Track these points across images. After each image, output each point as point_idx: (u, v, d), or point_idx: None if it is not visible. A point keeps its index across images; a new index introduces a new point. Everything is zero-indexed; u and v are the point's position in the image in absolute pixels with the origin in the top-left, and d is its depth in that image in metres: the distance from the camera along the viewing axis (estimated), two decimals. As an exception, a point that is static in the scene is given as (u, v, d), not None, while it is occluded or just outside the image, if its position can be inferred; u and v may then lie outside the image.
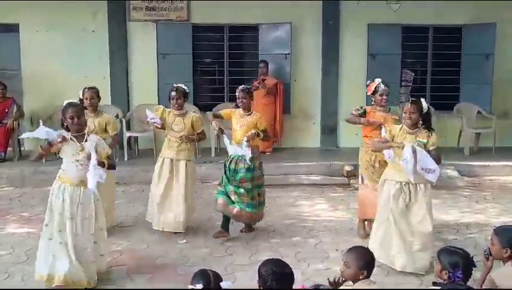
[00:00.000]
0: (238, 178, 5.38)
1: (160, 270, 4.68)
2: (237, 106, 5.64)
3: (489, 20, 9.46)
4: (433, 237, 5.37)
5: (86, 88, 5.71)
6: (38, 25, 9.42)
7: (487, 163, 8.62)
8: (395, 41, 9.66)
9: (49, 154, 4.21)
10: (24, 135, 4.69)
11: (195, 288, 2.58)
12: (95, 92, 5.68)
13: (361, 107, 5.51)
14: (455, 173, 8.14)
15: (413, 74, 10.13)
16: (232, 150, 5.48)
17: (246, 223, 5.69)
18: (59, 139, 4.10)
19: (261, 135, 5.49)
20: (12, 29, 9.47)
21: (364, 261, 3.09)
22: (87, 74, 9.25)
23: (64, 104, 4.30)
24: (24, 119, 9.15)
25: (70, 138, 4.17)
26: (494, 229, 3.33)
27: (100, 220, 4.35)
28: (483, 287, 3.18)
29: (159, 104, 9.20)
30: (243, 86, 5.65)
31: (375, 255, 3.77)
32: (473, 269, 3.04)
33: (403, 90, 10.03)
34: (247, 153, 5.30)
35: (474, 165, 8.55)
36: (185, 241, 5.46)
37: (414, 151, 4.39)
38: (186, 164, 5.58)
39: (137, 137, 9.17)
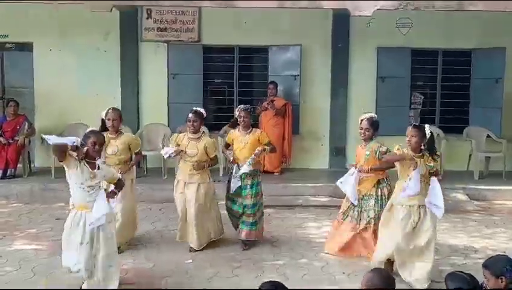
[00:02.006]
0: (244, 194, 5.56)
1: (166, 290, 4.66)
2: (233, 126, 5.82)
3: (499, 44, 9.48)
4: (442, 261, 5.36)
5: (110, 109, 5.66)
6: (51, 44, 9.59)
7: (497, 187, 8.54)
8: (405, 64, 9.69)
9: (65, 157, 4.12)
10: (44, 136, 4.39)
11: None
12: (118, 114, 5.66)
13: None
14: (464, 197, 8.07)
15: (422, 97, 10.14)
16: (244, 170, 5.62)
17: (249, 241, 5.80)
18: (75, 146, 4.12)
19: (268, 148, 5.64)
20: (26, 48, 9.65)
21: (370, 282, 3.06)
22: (98, 93, 9.39)
23: (87, 131, 4.40)
24: (35, 136, 9.24)
25: (84, 164, 4.21)
26: (483, 265, 3.26)
27: (112, 242, 4.42)
28: None
29: (168, 123, 9.32)
30: (243, 105, 5.86)
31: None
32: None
33: (412, 113, 10.02)
34: (246, 168, 5.50)
35: (483, 189, 8.48)
36: (191, 261, 5.44)
37: (418, 179, 4.51)
38: (198, 186, 5.60)
39: (145, 156, 9.21)
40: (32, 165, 9.21)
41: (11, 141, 8.71)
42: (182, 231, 5.71)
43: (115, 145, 5.53)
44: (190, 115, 5.62)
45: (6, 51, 9.70)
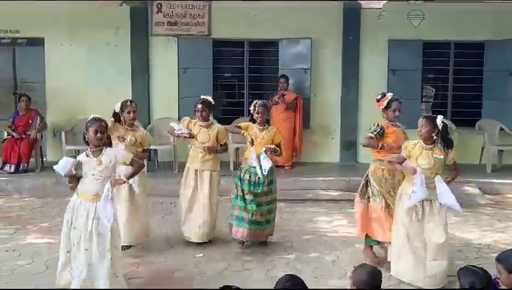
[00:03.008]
0: (260, 192, 5.42)
1: (177, 284, 4.67)
2: (253, 121, 5.61)
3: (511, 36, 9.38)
4: (454, 255, 5.32)
5: (128, 101, 5.49)
6: (62, 39, 9.64)
7: (510, 181, 8.45)
8: (416, 57, 9.61)
9: (77, 179, 4.24)
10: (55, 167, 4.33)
11: None
12: (136, 106, 5.51)
13: (378, 126, 5.14)
14: (477, 191, 8.01)
15: (434, 90, 10.05)
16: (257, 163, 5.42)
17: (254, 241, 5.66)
18: (72, 173, 4.19)
19: (278, 150, 5.52)
20: (37, 42, 9.70)
21: (359, 278, 3.08)
22: (109, 87, 9.43)
23: (90, 118, 4.30)
24: (47, 131, 9.32)
25: (87, 155, 4.20)
26: (496, 259, 3.24)
27: (115, 236, 4.27)
28: None
29: (179, 117, 9.30)
30: (260, 101, 5.65)
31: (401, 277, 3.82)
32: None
33: (423, 106, 9.95)
34: (266, 165, 5.30)
35: (496, 182, 8.41)
36: (202, 254, 5.45)
37: (422, 183, 4.44)
38: (210, 174, 5.62)
39: (156, 150, 9.24)
40: (44, 160, 9.29)
41: (23, 136, 8.79)
42: (187, 226, 5.64)
43: (133, 138, 5.40)
44: (198, 105, 5.62)
45: (18, 46, 9.76)
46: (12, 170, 8.61)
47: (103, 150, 4.25)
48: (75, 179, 4.21)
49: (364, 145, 5.27)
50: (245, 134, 5.59)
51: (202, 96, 5.74)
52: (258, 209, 5.44)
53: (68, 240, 4.25)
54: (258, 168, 5.37)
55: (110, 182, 4.19)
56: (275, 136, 5.56)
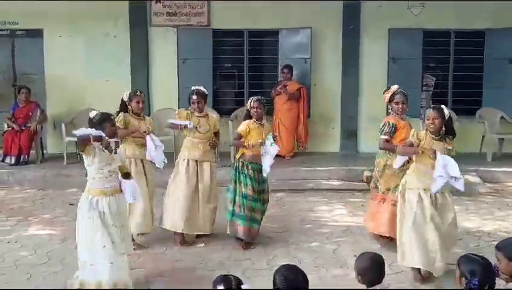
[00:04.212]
0: (262, 189, 5.42)
1: (178, 274, 4.69)
2: (248, 117, 5.48)
3: (512, 24, 9.33)
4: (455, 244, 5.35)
5: (137, 91, 5.56)
6: (61, 30, 9.61)
7: (510, 169, 8.45)
8: (416, 45, 9.57)
9: (85, 147, 4.05)
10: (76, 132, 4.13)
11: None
12: (145, 96, 5.59)
13: (390, 125, 5.07)
14: (477, 179, 8.01)
15: (434, 79, 10.02)
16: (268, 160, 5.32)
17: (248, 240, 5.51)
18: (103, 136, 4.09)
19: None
20: (36, 34, 9.66)
21: (361, 266, 3.12)
22: (108, 78, 9.43)
23: (101, 114, 4.32)
24: (47, 122, 9.31)
25: (102, 149, 4.16)
26: (496, 247, 3.25)
27: (126, 234, 4.37)
28: None
29: (179, 108, 9.28)
30: (257, 96, 5.57)
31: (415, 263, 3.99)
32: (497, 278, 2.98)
33: (423, 95, 9.93)
34: (273, 151, 5.22)
35: (496, 171, 8.41)
36: (203, 244, 5.48)
37: (446, 165, 4.35)
38: (210, 165, 5.60)
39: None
40: (44, 152, 9.30)
41: (23, 128, 8.79)
42: (188, 220, 5.46)
43: (145, 128, 5.46)
44: (194, 96, 5.52)
45: (17, 38, 9.73)
46: (13, 162, 8.62)
47: (114, 149, 4.28)
48: (88, 142, 4.03)
49: (381, 148, 5.18)
50: (248, 143, 5.36)
51: (194, 87, 5.61)
52: (260, 206, 5.42)
53: (89, 236, 4.12)
54: (266, 159, 5.27)
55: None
56: (270, 130, 5.63)
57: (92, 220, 4.09)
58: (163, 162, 5.43)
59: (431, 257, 4.45)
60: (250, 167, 5.37)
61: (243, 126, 5.41)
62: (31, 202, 7.22)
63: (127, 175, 4.36)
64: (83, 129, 3.97)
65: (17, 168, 8.49)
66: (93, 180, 4.14)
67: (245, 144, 5.34)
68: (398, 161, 4.97)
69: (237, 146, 5.61)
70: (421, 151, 4.51)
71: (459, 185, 4.45)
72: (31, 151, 8.85)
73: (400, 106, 5.17)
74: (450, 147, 4.55)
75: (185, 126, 5.46)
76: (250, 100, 5.51)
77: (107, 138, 4.14)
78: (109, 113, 4.44)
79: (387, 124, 5.13)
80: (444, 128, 4.57)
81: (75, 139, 8.59)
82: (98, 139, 4.04)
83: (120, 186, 4.25)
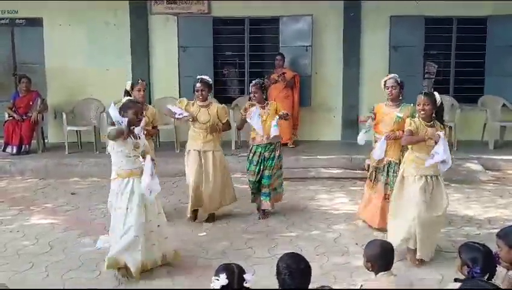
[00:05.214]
0: (273, 165, 5.74)
1: (180, 263, 4.70)
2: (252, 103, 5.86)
3: (515, 11, 9.25)
4: (455, 231, 5.37)
5: (139, 79, 5.77)
6: (61, 19, 9.56)
7: (512, 157, 8.45)
8: (418, 33, 9.50)
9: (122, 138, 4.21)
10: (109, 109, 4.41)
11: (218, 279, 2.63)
12: (146, 84, 5.72)
13: (372, 108, 5.47)
14: (479, 167, 8.00)
15: (436, 66, 9.97)
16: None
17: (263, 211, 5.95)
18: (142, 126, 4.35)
19: (289, 114, 5.96)
20: (36, 23, 9.62)
21: (371, 253, 3.15)
22: (108, 67, 9.41)
23: (126, 101, 4.49)
24: (48, 112, 9.30)
25: (130, 137, 4.28)
26: (496, 235, 3.26)
27: (158, 204, 4.53)
28: (503, 287, 3.11)
29: (179, 97, 9.26)
30: (255, 80, 5.88)
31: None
32: (497, 265, 2.99)
33: (425, 83, 9.89)
34: (273, 132, 5.61)
35: (498, 159, 8.39)
36: (204, 233, 5.49)
37: (446, 149, 4.39)
38: (213, 154, 5.69)
39: (158, 129, 9.22)
40: (45, 141, 9.30)
41: (24, 117, 8.78)
42: (193, 203, 5.73)
43: (146, 116, 5.50)
44: (197, 84, 5.63)
45: (16, 27, 9.69)
46: (14, 151, 8.62)
47: (138, 135, 4.37)
48: (122, 134, 4.19)
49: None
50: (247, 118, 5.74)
51: (199, 76, 5.74)
52: (270, 181, 5.81)
53: (123, 220, 4.27)
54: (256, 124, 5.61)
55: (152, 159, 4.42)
56: (277, 108, 5.81)
57: (120, 208, 4.27)
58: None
59: (427, 245, 4.55)
60: (253, 151, 5.80)
61: (243, 107, 5.90)
62: (33, 191, 7.23)
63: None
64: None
65: (19, 157, 8.49)
66: (122, 163, 4.29)
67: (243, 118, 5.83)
68: (377, 151, 5.16)
69: (242, 122, 5.97)
70: (426, 138, 4.52)
71: (443, 168, 4.51)
72: (32, 141, 8.85)
73: (389, 90, 5.29)
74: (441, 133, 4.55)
75: (183, 117, 5.59)
76: (251, 84, 5.88)
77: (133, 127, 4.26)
78: (134, 100, 4.62)
79: (369, 114, 5.55)
80: (436, 114, 4.61)
81: (77, 128, 8.72)
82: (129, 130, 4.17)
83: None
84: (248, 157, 5.89)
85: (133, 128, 4.26)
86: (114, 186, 4.36)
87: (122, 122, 4.16)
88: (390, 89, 5.28)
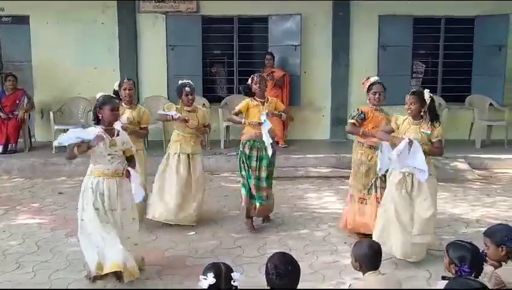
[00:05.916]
0: (266, 164, 5.44)
1: (169, 262, 4.69)
2: (248, 95, 5.55)
3: (502, 11, 9.31)
4: (443, 230, 5.39)
5: (125, 79, 5.71)
6: (48, 17, 9.45)
7: (498, 156, 8.53)
8: (407, 32, 9.55)
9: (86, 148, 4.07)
10: (55, 143, 4.24)
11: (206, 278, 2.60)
12: (133, 84, 5.65)
13: (359, 111, 5.18)
14: (466, 166, 8.07)
15: (424, 66, 10.03)
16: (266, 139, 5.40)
17: (264, 216, 5.77)
18: (96, 143, 4.01)
19: (283, 115, 5.62)
20: (22, 21, 9.51)
21: (359, 252, 3.15)
22: (96, 65, 9.33)
23: (101, 96, 4.29)
24: (34, 110, 9.21)
25: (103, 133, 4.12)
26: (484, 233, 3.29)
27: (133, 210, 4.39)
28: (490, 285, 3.14)
29: (168, 96, 9.25)
30: (259, 73, 5.73)
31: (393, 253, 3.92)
32: (484, 263, 3.01)
33: (413, 82, 9.94)
34: (266, 128, 5.28)
35: (485, 158, 8.47)
36: (193, 233, 5.47)
37: (411, 145, 4.37)
38: (200, 157, 5.71)
39: (148, 130, 9.15)
40: (32, 140, 9.21)
41: (10, 116, 8.68)
42: (179, 211, 5.53)
43: (130, 115, 5.46)
44: (187, 88, 5.53)
45: (2, 25, 9.57)
46: (0, 150, 8.52)
47: (116, 131, 4.25)
48: (85, 147, 4.03)
49: (348, 132, 5.33)
50: (246, 120, 5.46)
51: (186, 81, 5.61)
52: (267, 183, 5.52)
53: (90, 220, 4.16)
54: (265, 137, 5.33)
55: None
56: (276, 105, 5.62)
57: (87, 206, 4.14)
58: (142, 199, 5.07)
59: (389, 244, 4.53)
60: (247, 145, 5.45)
61: (243, 103, 5.51)
62: (20, 191, 7.16)
63: (130, 159, 4.36)
64: (61, 140, 4.00)
65: (5, 156, 8.39)
66: (96, 162, 4.17)
67: (245, 121, 5.46)
68: (383, 165, 4.76)
69: (233, 121, 5.73)
70: (391, 140, 4.60)
71: (421, 177, 4.47)
72: (18, 140, 8.75)
73: (377, 96, 5.17)
74: (427, 132, 4.54)
75: (178, 117, 5.47)
76: (252, 76, 5.59)
77: (102, 132, 4.07)
78: (111, 96, 4.43)
79: (356, 110, 5.27)
80: (425, 113, 4.60)
81: (64, 126, 8.63)
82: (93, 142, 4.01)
83: (123, 171, 4.23)
84: (244, 155, 5.46)
85: (104, 133, 4.10)
86: (84, 182, 4.24)
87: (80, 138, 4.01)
88: (378, 95, 5.15)
